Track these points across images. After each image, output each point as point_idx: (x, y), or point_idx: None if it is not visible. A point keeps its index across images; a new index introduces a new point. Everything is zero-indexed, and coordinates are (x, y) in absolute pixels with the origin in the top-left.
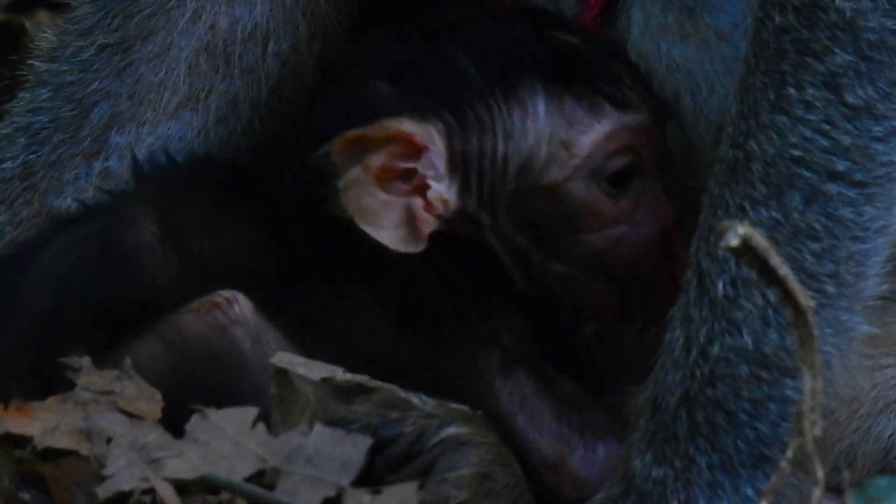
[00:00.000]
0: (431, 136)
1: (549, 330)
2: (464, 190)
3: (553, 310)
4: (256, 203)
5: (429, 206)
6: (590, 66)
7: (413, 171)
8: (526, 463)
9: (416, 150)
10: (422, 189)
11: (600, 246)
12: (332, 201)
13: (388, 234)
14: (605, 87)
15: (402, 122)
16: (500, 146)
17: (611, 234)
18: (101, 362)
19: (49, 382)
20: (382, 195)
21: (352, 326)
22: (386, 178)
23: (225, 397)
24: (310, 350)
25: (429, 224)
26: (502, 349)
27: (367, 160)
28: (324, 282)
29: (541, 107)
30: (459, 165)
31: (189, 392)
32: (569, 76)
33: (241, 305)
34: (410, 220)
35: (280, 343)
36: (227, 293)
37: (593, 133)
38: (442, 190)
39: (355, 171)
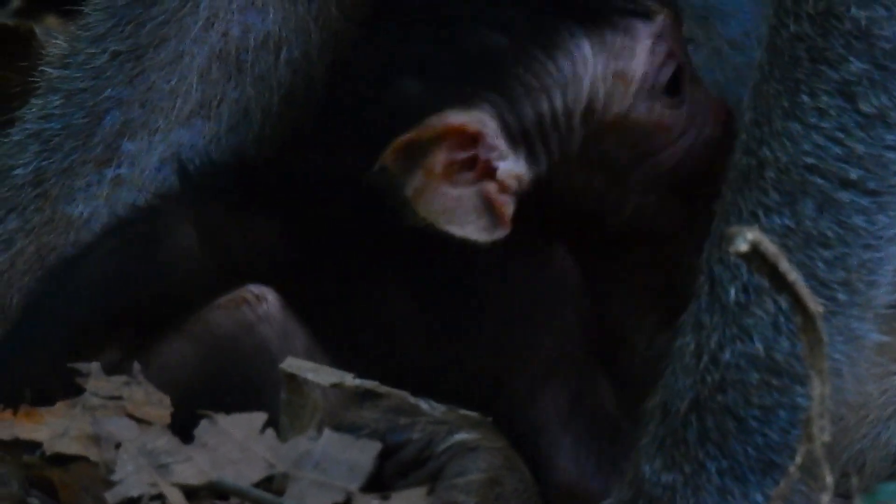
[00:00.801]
0: (482, 120)
1: (599, 331)
2: (531, 159)
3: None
4: (289, 203)
5: (503, 186)
6: None
7: (475, 159)
8: (539, 474)
9: (471, 138)
10: (489, 173)
11: (676, 158)
12: (408, 213)
13: (470, 227)
14: (627, 5)
15: (448, 115)
16: (558, 102)
17: (683, 145)
18: (132, 361)
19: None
20: (452, 191)
21: (382, 324)
22: (451, 174)
23: (251, 393)
24: (337, 348)
25: (508, 205)
26: (541, 359)
27: (427, 163)
28: (356, 280)
29: (586, 49)
30: (520, 137)
31: (216, 388)
32: (596, 9)
33: (269, 302)
34: (487, 206)
35: (307, 341)
36: (255, 289)
37: (638, 54)
38: (510, 167)
39: (418, 177)
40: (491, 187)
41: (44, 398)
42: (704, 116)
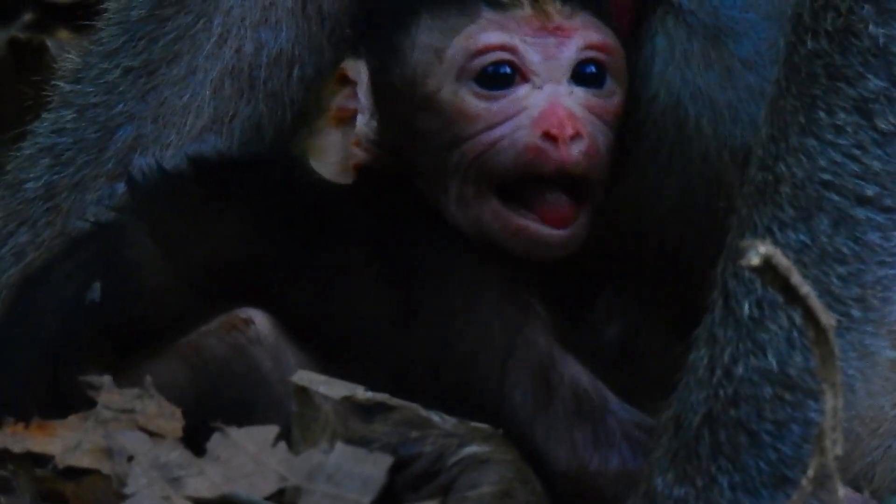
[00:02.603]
0: (359, 70)
1: (572, 317)
2: (381, 123)
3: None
4: (245, 192)
5: (357, 140)
6: None
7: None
8: (545, 472)
9: (355, 88)
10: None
11: (476, 151)
12: (300, 144)
13: (326, 167)
14: None
15: (348, 62)
16: (394, 67)
17: (484, 139)
18: (117, 381)
19: (65, 402)
20: (334, 134)
21: (359, 319)
22: (342, 119)
23: (245, 417)
24: (323, 354)
25: (354, 157)
26: (496, 351)
27: (331, 104)
28: (326, 266)
29: (424, 22)
30: (378, 98)
31: (210, 413)
32: None
33: (258, 324)
34: (346, 154)
35: (299, 358)
36: (244, 312)
37: (464, 36)
38: (363, 122)
39: (323, 117)
40: (350, 136)
41: (56, 411)
42: (528, 120)
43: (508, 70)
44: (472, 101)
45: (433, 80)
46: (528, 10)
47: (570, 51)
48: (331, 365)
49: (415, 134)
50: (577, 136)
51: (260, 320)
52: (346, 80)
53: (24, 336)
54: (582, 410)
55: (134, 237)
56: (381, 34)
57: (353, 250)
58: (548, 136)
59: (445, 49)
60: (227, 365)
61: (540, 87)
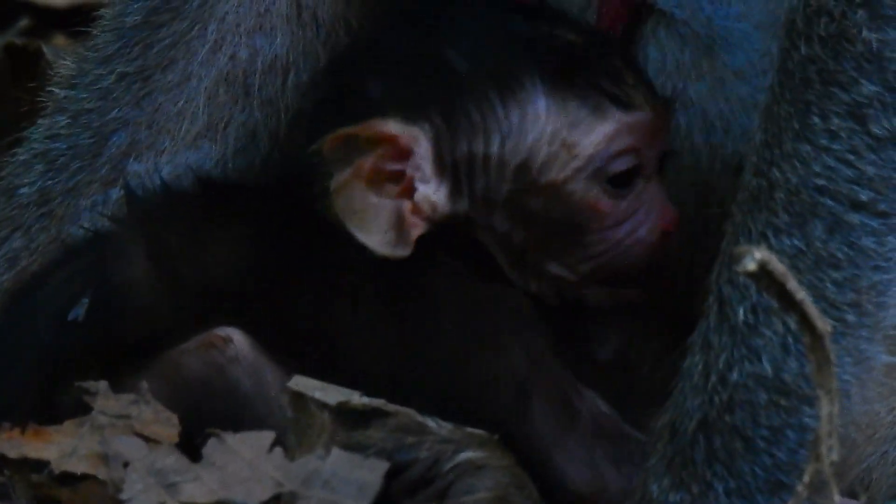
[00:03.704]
0: (417, 138)
1: (572, 345)
2: (455, 192)
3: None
4: (248, 217)
5: (416, 209)
6: (592, 64)
7: (403, 174)
8: (548, 489)
9: (404, 152)
10: (410, 191)
11: (600, 247)
12: (324, 203)
13: (376, 237)
14: (607, 85)
15: (389, 122)
16: (496, 147)
17: (610, 236)
18: (113, 387)
19: (60, 407)
20: (373, 198)
21: (353, 345)
22: (377, 181)
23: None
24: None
25: (416, 228)
26: (516, 383)
27: (358, 161)
28: (322, 296)
29: (541, 106)
30: (449, 167)
31: (194, 431)
32: (570, 74)
33: (237, 343)
34: (399, 223)
35: (279, 377)
36: (222, 331)
37: (596, 134)
38: (429, 192)
39: (346, 173)
40: (406, 205)
41: (52, 417)
42: (647, 219)
43: (634, 170)
44: (603, 198)
45: (557, 172)
46: (649, 114)
47: (663, 145)
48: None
49: (512, 214)
50: None
51: (238, 339)
52: (380, 140)
53: (19, 342)
54: (602, 432)
55: (129, 253)
56: (464, 104)
57: (358, 281)
58: (666, 234)
59: (576, 145)
60: (206, 384)
61: (648, 181)
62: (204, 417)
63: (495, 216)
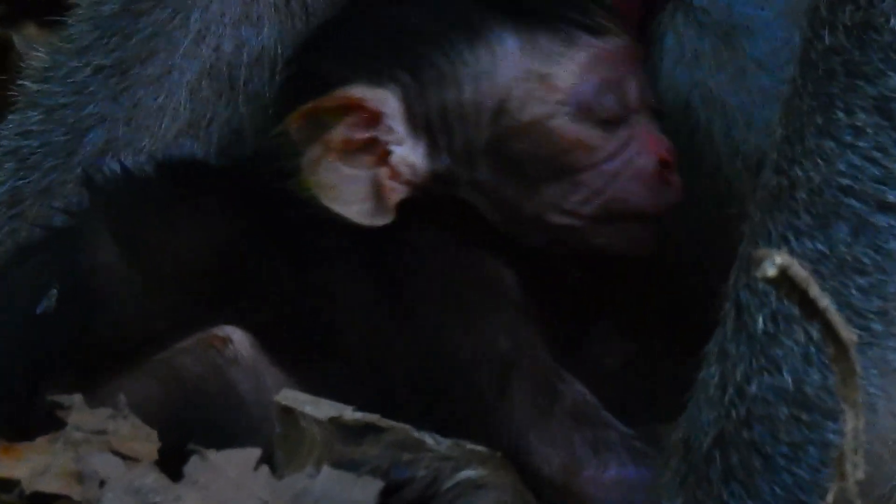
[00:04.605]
0: (385, 99)
1: (578, 351)
2: (432, 149)
3: (554, 269)
4: (217, 199)
5: (394, 173)
6: None
7: (375, 140)
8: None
9: (373, 117)
10: (385, 157)
11: (597, 184)
12: (297, 182)
13: (354, 208)
14: (575, 15)
15: (353, 88)
16: (469, 93)
17: (607, 169)
18: (88, 401)
19: (31, 422)
20: (346, 169)
21: (335, 325)
22: (348, 152)
23: (223, 439)
24: (304, 371)
25: (396, 192)
26: (497, 360)
27: (326, 136)
28: (300, 276)
29: (510, 44)
30: (422, 124)
31: (186, 435)
32: (536, 8)
33: (236, 343)
34: (377, 191)
35: (279, 379)
36: (221, 331)
37: (571, 62)
38: (405, 153)
39: (315, 149)
40: (383, 171)
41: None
42: (642, 148)
43: (618, 99)
44: (591, 131)
45: (537, 108)
46: (624, 40)
47: (642, 79)
48: (313, 384)
49: (497, 163)
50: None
51: (238, 339)
52: (346, 109)
53: None
54: (583, 417)
55: (93, 241)
56: (430, 56)
57: (343, 260)
58: (664, 163)
59: (553, 76)
60: (202, 386)
61: (637, 114)
62: (197, 421)
63: (479, 168)
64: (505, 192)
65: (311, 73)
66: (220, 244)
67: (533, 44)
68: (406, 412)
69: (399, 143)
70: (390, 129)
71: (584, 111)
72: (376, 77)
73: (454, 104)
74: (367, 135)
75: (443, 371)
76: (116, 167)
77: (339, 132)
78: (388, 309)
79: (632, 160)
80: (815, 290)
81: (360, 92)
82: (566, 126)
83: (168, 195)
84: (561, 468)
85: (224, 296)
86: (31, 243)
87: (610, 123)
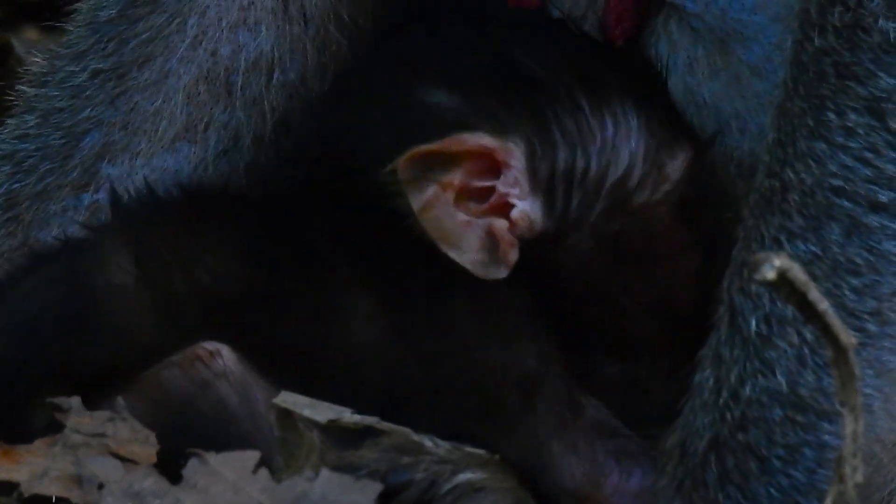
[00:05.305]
0: (512, 152)
1: (576, 356)
2: (548, 208)
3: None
4: (240, 227)
5: (513, 226)
6: (664, 91)
7: (492, 190)
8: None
9: (495, 167)
10: (503, 209)
11: (666, 275)
12: (410, 222)
13: (470, 257)
14: (676, 114)
15: (482, 136)
16: (594, 163)
17: (675, 265)
18: (87, 404)
19: (29, 425)
20: (462, 216)
21: (348, 360)
22: (464, 197)
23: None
24: (300, 390)
25: (514, 247)
26: (525, 376)
27: (444, 178)
28: (317, 307)
29: (633, 122)
30: (544, 181)
31: (174, 450)
32: (652, 97)
33: (224, 358)
34: (492, 243)
35: (268, 393)
36: (209, 345)
37: (680, 158)
38: (527, 208)
39: (430, 191)
40: (501, 224)
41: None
42: (697, 251)
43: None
44: (682, 226)
45: (648, 193)
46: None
47: None
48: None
49: (601, 234)
50: None
51: (226, 353)
52: (469, 155)
53: None
54: (604, 428)
55: (111, 260)
56: (558, 115)
57: (357, 289)
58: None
59: (666, 166)
60: (191, 400)
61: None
62: (187, 435)
63: (583, 236)
64: (594, 262)
65: (418, 109)
66: (236, 272)
67: (651, 127)
68: (416, 422)
69: (521, 198)
70: (516, 182)
71: (682, 206)
72: (501, 127)
73: (580, 169)
74: (484, 183)
75: (469, 386)
76: (143, 188)
77: (458, 176)
78: (407, 336)
79: (692, 260)
80: (814, 294)
81: (490, 141)
82: (667, 214)
83: (189, 222)
84: (585, 477)
85: (233, 322)
86: (47, 252)
87: (692, 222)
